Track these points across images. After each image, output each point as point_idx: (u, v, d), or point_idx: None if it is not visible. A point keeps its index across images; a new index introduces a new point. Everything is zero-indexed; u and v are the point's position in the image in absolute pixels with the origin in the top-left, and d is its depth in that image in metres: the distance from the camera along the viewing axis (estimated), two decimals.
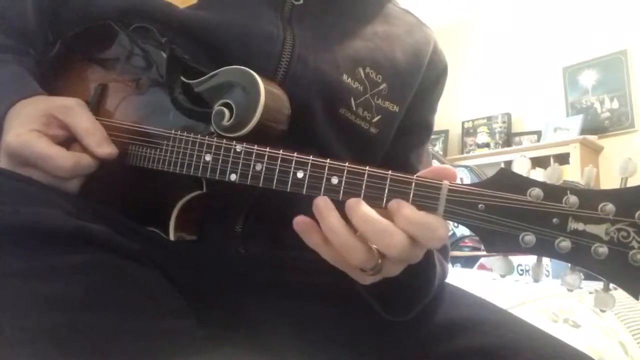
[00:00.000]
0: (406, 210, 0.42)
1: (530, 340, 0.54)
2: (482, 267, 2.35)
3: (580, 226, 0.38)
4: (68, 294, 0.39)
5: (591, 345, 0.93)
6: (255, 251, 0.63)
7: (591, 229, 0.38)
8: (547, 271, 1.96)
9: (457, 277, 1.31)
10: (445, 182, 0.42)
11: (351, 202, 0.43)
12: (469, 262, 2.50)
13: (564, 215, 0.38)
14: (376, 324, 0.58)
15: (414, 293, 0.55)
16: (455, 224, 2.70)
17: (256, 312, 0.62)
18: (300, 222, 0.45)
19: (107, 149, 0.55)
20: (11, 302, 0.37)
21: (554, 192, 0.39)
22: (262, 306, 0.62)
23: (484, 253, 2.55)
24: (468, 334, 0.55)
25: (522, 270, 2.14)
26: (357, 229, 0.43)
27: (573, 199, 0.38)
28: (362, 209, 0.43)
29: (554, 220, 0.39)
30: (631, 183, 0.38)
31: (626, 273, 0.37)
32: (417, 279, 0.54)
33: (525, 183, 0.40)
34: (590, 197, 0.38)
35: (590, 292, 1.15)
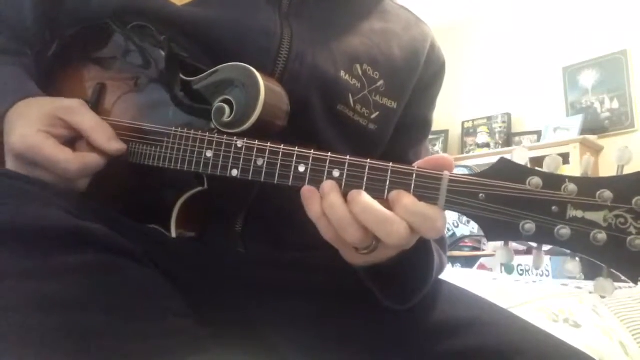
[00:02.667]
0: (406, 200, 0.43)
1: (531, 340, 0.54)
2: (482, 267, 2.35)
3: (579, 213, 0.38)
4: (68, 294, 0.39)
5: (591, 345, 0.92)
6: (255, 251, 0.63)
7: (590, 216, 0.38)
8: (547, 271, 1.96)
9: (457, 277, 1.31)
10: (446, 173, 0.43)
11: (352, 193, 0.44)
12: (469, 262, 2.51)
13: (563, 203, 0.39)
14: (376, 323, 0.58)
15: (413, 278, 0.55)
16: (455, 224, 2.71)
17: (256, 312, 0.62)
18: (306, 189, 0.46)
19: (117, 145, 0.56)
20: (11, 302, 0.37)
21: (553, 180, 0.39)
22: (262, 306, 0.62)
23: (484, 253, 2.56)
24: (468, 334, 0.54)
25: (522, 270, 2.14)
26: (358, 218, 0.43)
27: (572, 186, 0.38)
28: (363, 199, 0.43)
29: (554, 208, 0.39)
30: (627, 171, 0.38)
31: (625, 259, 0.37)
32: (416, 265, 0.54)
33: (525, 172, 0.40)
34: (588, 184, 0.38)
35: (590, 292, 1.15)
